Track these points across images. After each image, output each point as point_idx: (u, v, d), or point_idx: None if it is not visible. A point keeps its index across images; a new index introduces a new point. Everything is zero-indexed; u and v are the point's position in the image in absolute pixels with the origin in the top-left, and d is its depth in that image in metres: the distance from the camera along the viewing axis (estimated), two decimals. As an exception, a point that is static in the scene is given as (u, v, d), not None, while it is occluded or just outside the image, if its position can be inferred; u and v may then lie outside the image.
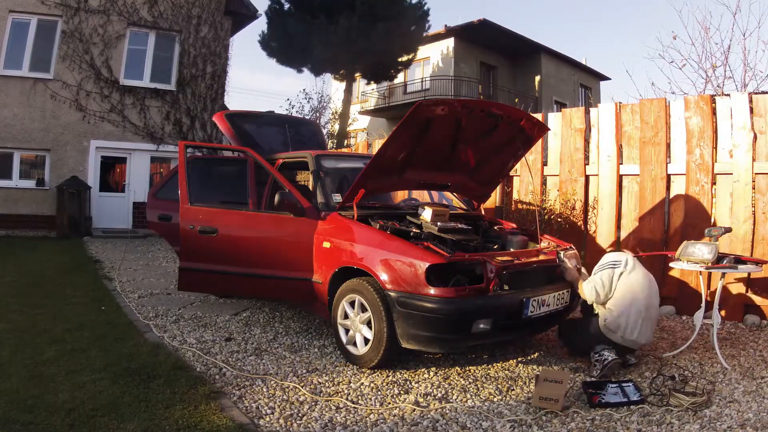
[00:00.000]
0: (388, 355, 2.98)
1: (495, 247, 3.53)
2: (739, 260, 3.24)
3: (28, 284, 5.19)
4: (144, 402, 2.50)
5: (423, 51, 16.78)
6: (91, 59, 10.13)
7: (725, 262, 3.16)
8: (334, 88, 18.04)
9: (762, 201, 3.92)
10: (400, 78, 17.69)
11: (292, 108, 14.95)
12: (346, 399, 2.65)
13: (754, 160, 3.95)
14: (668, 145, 4.44)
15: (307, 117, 13.96)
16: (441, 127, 3.30)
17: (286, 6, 13.49)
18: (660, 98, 4.61)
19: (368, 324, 3.03)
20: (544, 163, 5.30)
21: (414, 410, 2.54)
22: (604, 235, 4.80)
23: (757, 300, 3.93)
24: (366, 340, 3.06)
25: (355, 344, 3.15)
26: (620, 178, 4.72)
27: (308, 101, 15.26)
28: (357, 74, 15.05)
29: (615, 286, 3.03)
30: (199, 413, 2.40)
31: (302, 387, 2.78)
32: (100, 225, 10.23)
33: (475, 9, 53.91)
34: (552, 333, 3.78)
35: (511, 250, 3.45)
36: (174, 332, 3.74)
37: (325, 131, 14.46)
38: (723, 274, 3.26)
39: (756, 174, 3.94)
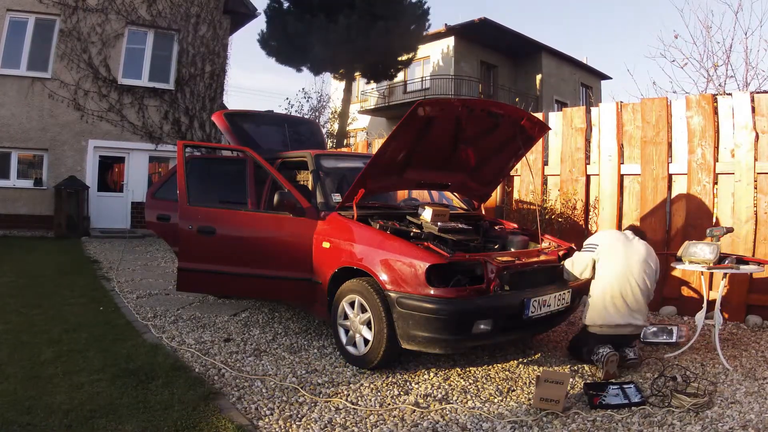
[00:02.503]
0: (388, 355, 2.97)
1: (496, 247, 3.51)
2: (741, 260, 3.22)
3: (25, 285, 5.17)
4: (142, 403, 2.48)
5: (423, 50, 16.76)
6: (89, 58, 10.10)
7: (727, 262, 3.15)
8: (334, 87, 18.03)
9: (764, 201, 3.90)
10: (399, 77, 17.68)
11: (292, 107, 14.93)
12: (346, 400, 2.63)
13: (755, 159, 3.94)
14: (670, 145, 4.42)
15: (306, 116, 13.94)
16: (441, 127, 3.28)
17: (286, 5, 13.47)
18: (661, 97, 4.59)
19: (368, 324, 3.02)
20: (545, 163, 5.28)
21: (414, 411, 2.52)
22: (604, 235, 4.78)
23: (759, 300, 3.92)
24: (366, 341, 3.04)
25: (354, 345, 3.13)
26: (621, 177, 4.70)
27: (308, 100, 15.24)
28: (356, 73, 15.04)
29: (591, 271, 3.11)
30: (198, 414, 2.39)
31: (301, 388, 2.76)
32: (98, 225, 10.20)
33: (476, 8, 54.02)
34: (553, 333, 3.77)
35: (512, 250, 3.44)
36: (172, 333, 3.72)
37: (324, 131, 14.44)
38: (725, 275, 3.24)
39: (758, 174, 3.93)
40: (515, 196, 5.49)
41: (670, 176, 4.41)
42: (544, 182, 5.29)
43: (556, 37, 55.58)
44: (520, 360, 3.27)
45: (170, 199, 4.55)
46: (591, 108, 5.06)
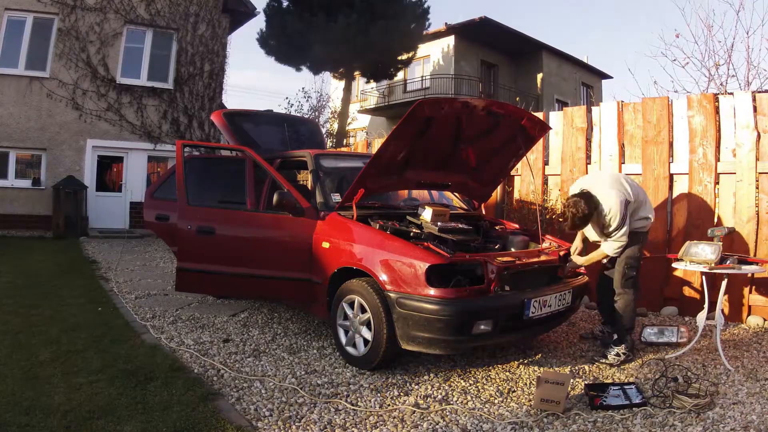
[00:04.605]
0: (387, 356, 2.96)
1: (496, 247, 3.50)
2: (742, 261, 3.21)
3: (23, 285, 5.15)
4: (141, 404, 2.48)
5: (423, 49, 16.74)
6: (87, 57, 10.07)
7: (728, 262, 3.13)
8: (334, 86, 18.00)
9: (765, 201, 3.88)
10: (399, 76, 17.65)
11: (291, 107, 14.94)
12: (346, 401, 2.62)
13: (757, 159, 3.92)
14: (671, 145, 4.41)
15: (306, 116, 13.92)
16: (441, 126, 3.27)
17: (285, 4, 13.44)
18: (662, 97, 4.57)
19: (368, 325, 3.00)
20: (546, 163, 5.26)
21: (414, 412, 2.51)
22: (605, 235, 4.76)
23: (761, 301, 3.90)
24: (366, 341, 3.03)
25: (354, 345, 3.12)
26: (622, 177, 4.68)
27: (307, 100, 15.25)
28: (356, 73, 15.00)
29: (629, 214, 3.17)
30: (197, 415, 2.38)
31: (301, 389, 2.75)
32: (96, 225, 10.18)
33: (476, 7, 53.92)
34: (554, 334, 3.76)
35: (513, 250, 3.42)
36: (171, 333, 3.71)
37: (324, 130, 14.43)
38: (726, 275, 3.23)
39: (759, 173, 3.91)
40: (516, 195, 5.47)
41: (671, 176, 4.39)
42: (545, 182, 5.27)
43: (556, 37, 55.57)
44: (521, 361, 3.26)
45: (169, 198, 4.53)
46: (592, 107, 5.03)
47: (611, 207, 3.10)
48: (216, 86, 11.33)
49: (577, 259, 3.39)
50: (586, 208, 3.08)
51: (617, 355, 3.12)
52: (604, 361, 3.13)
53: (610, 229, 3.15)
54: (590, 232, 3.33)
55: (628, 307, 3.25)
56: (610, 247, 3.22)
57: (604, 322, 3.62)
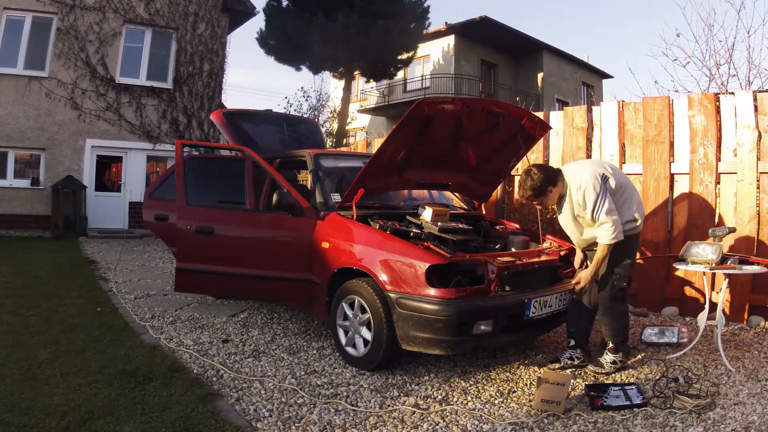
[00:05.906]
0: (387, 356, 2.95)
1: (496, 247, 3.49)
2: (743, 261, 3.20)
3: (22, 285, 5.14)
4: (140, 404, 2.47)
5: (423, 49, 16.73)
6: (86, 57, 10.06)
7: (729, 262, 3.12)
8: (333, 86, 17.99)
9: (766, 200, 3.88)
10: (399, 76, 17.63)
11: (291, 106, 14.93)
12: (345, 401, 2.61)
13: (758, 159, 3.91)
14: (671, 144, 4.40)
15: (305, 116, 13.90)
16: (441, 126, 3.26)
17: (285, 3, 13.43)
18: (663, 96, 4.56)
19: (368, 325, 3.00)
20: (546, 162, 5.25)
21: (414, 413, 2.50)
22: (605, 235, 4.74)
23: (762, 301, 3.90)
24: (365, 342, 3.02)
25: (354, 346, 3.11)
26: (622, 177, 4.67)
27: (307, 100, 15.23)
28: (356, 72, 15.00)
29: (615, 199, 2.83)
30: (197, 415, 2.37)
31: (301, 389, 2.74)
32: (95, 225, 10.17)
33: (476, 6, 53.87)
34: (554, 334, 3.75)
35: (513, 250, 3.41)
36: (171, 334, 3.70)
37: (323, 130, 14.41)
38: (727, 275, 3.22)
39: (760, 173, 3.90)
40: (516, 195, 5.46)
41: (672, 176, 4.39)
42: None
43: (557, 36, 55.57)
44: (521, 361, 3.25)
45: (168, 198, 4.51)
46: (592, 107, 5.03)
47: (582, 179, 2.79)
48: (215, 86, 11.32)
49: (584, 274, 2.96)
50: (542, 176, 2.86)
51: (613, 362, 2.97)
52: (599, 370, 2.97)
53: (589, 209, 2.77)
54: (565, 217, 2.99)
55: (620, 318, 3.01)
56: (604, 235, 2.78)
57: (573, 345, 3.09)
